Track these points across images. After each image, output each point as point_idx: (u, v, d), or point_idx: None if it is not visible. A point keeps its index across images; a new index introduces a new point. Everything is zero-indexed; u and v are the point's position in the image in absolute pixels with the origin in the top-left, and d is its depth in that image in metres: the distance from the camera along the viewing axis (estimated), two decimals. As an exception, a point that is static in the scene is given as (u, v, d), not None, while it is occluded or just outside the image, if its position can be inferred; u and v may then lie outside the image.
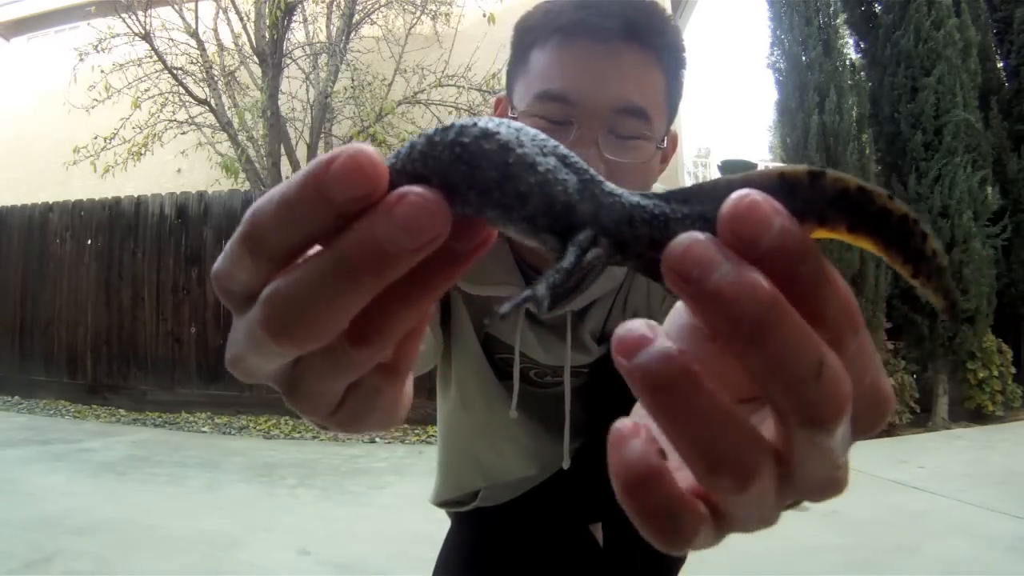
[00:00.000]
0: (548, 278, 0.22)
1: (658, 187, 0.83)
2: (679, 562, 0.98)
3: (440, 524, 1.05)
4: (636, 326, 0.20)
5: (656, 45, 0.70)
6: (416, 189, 0.21)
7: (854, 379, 0.20)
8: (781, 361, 0.19)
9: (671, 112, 0.75)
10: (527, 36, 0.73)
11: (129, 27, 5.87)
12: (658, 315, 0.79)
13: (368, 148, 0.20)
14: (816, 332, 0.20)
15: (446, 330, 0.87)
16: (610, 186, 0.24)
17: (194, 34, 6.20)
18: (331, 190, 0.20)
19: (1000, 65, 5.65)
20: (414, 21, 6.47)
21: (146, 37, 5.87)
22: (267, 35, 6.03)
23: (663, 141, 0.73)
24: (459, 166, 0.22)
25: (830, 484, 0.23)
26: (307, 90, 6.59)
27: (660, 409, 0.20)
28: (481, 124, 0.22)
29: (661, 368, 0.19)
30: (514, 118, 0.72)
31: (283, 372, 0.25)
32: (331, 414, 0.27)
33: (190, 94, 6.13)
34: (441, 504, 1.02)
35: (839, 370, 0.19)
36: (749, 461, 0.20)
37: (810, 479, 0.22)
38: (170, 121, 6.26)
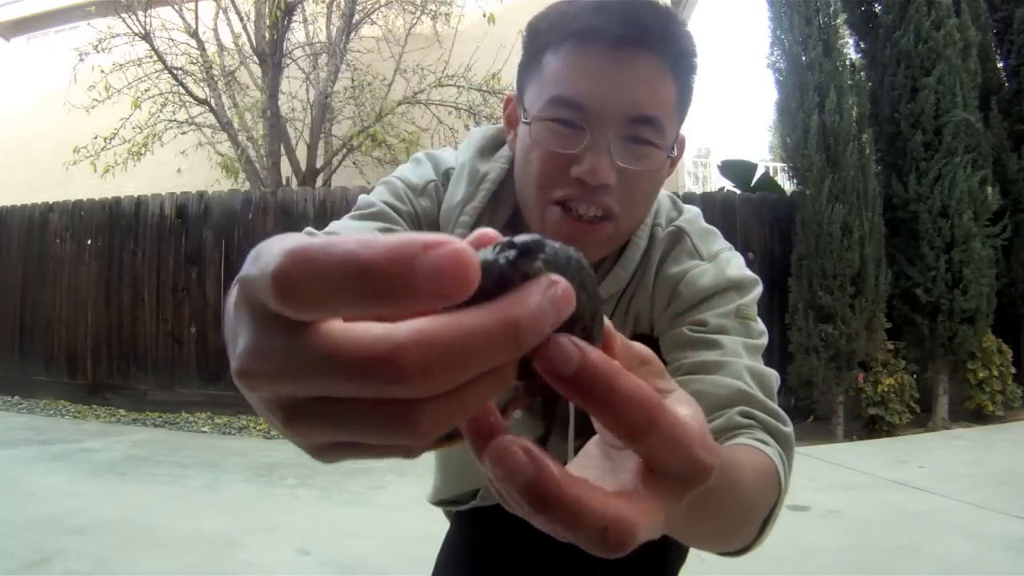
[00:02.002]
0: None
1: (663, 193, 0.83)
2: (679, 562, 0.98)
3: (440, 524, 1.05)
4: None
5: (671, 52, 0.69)
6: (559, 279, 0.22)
7: (663, 461, 0.26)
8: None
9: (681, 119, 0.75)
10: (541, 37, 0.72)
11: (129, 27, 5.87)
12: (659, 320, 0.79)
13: (467, 248, 0.19)
14: (615, 427, 0.24)
15: None
16: None
17: (194, 34, 6.20)
18: (424, 279, 0.19)
19: (1000, 65, 5.64)
20: (414, 21, 6.47)
21: (146, 37, 5.88)
22: (267, 35, 6.03)
23: (673, 148, 0.73)
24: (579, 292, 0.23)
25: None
26: (307, 90, 6.59)
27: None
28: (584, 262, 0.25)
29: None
30: (525, 120, 0.72)
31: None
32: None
33: (190, 94, 6.13)
34: (439, 503, 1.01)
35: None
36: None
37: None
38: (170, 121, 6.26)
